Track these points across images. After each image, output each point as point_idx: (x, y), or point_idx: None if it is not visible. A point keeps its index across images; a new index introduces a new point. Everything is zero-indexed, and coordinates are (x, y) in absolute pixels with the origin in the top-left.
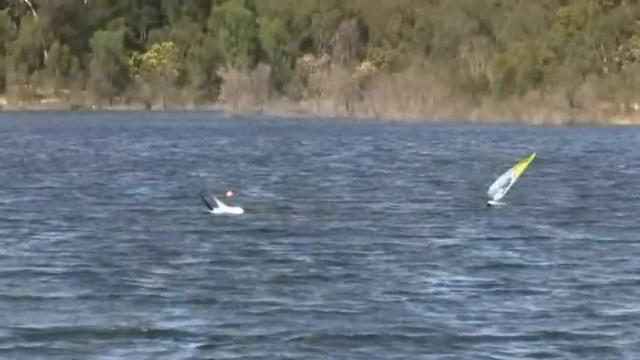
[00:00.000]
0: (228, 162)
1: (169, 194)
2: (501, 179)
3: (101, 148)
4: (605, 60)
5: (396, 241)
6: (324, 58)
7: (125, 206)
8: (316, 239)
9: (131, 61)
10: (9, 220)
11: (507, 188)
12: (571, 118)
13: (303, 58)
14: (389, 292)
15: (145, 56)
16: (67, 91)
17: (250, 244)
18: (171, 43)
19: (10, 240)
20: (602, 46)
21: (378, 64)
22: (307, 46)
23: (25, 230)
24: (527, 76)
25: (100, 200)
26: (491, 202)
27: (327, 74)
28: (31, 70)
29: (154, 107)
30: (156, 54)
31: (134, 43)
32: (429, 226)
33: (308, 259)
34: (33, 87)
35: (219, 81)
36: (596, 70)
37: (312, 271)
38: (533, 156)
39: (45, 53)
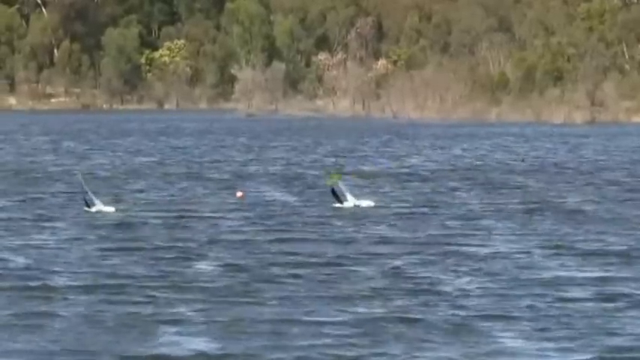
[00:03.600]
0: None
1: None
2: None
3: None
4: (626, 57)
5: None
6: (339, 56)
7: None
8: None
9: (143, 60)
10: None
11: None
12: (592, 116)
13: (319, 56)
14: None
15: (157, 54)
16: (77, 90)
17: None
18: (183, 41)
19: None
20: (623, 43)
21: (394, 62)
22: (322, 43)
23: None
24: (548, 74)
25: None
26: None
27: (342, 72)
28: (40, 69)
29: (166, 106)
30: (168, 52)
31: (146, 41)
32: None
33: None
34: (43, 86)
35: (232, 79)
36: (618, 67)
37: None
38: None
39: (55, 51)
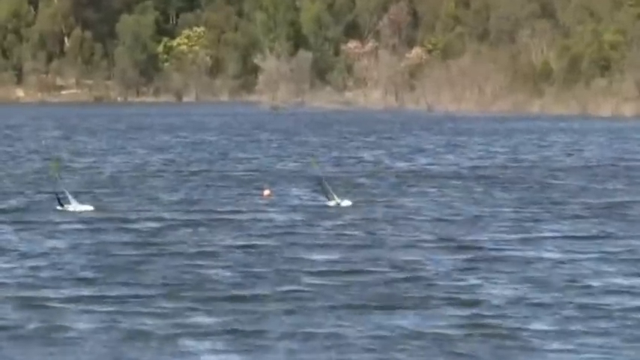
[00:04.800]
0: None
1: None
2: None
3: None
4: None
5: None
6: (370, 45)
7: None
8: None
9: (160, 49)
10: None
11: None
12: None
13: (348, 45)
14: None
15: (175, 43)
16: (89, 82)
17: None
18: (203, 29)
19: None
20: None
21: (430, 51)
22: (352, 31)
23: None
24: (594, 63)
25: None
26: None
27: (374, 62)
28: (50, 59)
29: (184, 99)
30: (187, 40)
31: (163, 29)
32: None
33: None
34: (52, 77)
35: (256, 70)
36: None
37: None
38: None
39: (65, 40)
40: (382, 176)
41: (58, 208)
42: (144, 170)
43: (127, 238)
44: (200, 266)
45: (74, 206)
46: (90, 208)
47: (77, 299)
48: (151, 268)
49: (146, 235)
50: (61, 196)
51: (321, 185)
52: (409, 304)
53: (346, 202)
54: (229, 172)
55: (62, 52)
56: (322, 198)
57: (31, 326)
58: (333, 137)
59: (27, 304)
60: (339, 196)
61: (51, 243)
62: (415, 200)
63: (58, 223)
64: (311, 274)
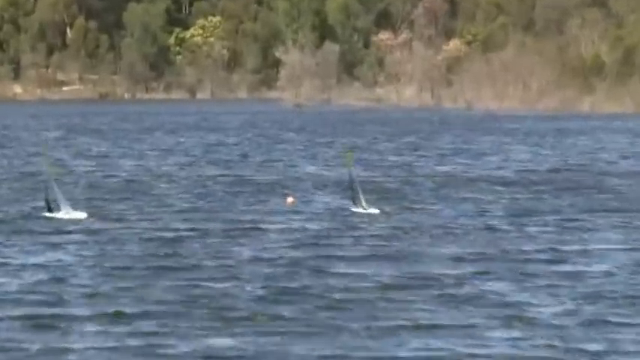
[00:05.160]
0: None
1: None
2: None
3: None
4: None
5: None
6: (404, 36)
7: None
8: None
9: (172, 40)
10: None
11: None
12: None
13: (379, 36)
14: None
15: (188, 34)
16: (93, 77)
17: None
18: (219, 18)
19: None
20: None
21: (469, 43)
22: (384, 21)
23: None
24: None
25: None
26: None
27: (407, 55)
28: (50, 52)
29: (199, 95)
30: (201, 31)
31: (175, 18)
32: None
33: None
34: (53, 72)
35: (277, 64)
36: None
37: None
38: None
39: (67, 31)
40: (417, 181)
41: (47, 214)
42: (153, 175)
43: (134, 249)
44: (217, 280)
45: (66, 213)
46: (83, 215)
47: (83, 318)
48: (163, 284)
49: (156, 246)
50: (52, 201)
51: (351, 187)
52: (452, 324)
53: (374, 210)
54: (248, 177)
55: (64, 44)
56: (348, 202)
57: (35, 347)
58: (362, 138)
59: (28, 323)
60: (367, 202)
61: (49, 254)
62: (453, 208)
63: (52, 233)
64: (340, 290)
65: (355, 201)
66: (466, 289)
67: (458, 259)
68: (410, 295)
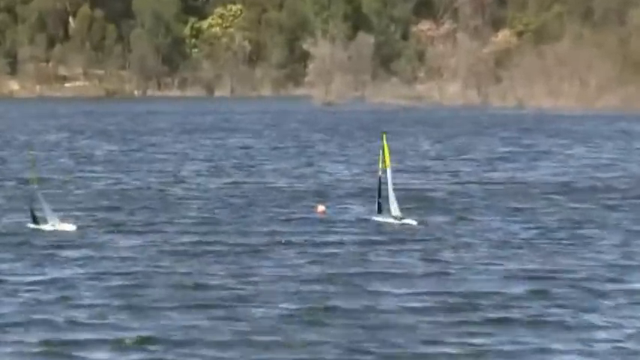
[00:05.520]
0: None
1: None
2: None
3: None
4: None
5: None
6: (447, 26)
7: None
8: None
9: (187, 31)
10: None
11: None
12: None
13: (419, 26)
14: None
15: (205, 24)
16: (99, 72)
17: None
18: (240, 6)
19: None
20: None
21: (520, 34)
22: (424, 9)
23: None
24: None
25: None
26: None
27: (451, 47)
28: (51, 44)
29: (217, 93)
30: (220, 21)
31: (191, 7)
32: None
33: None
34: (54, 66)
35: (305, 57)
36: None
37: None
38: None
39: (70, 20)
40: (462, 189)
41: (32, 226)
42: (166, 182)
43: (145, 266)
44: (242, 300)
45: (53, 225)
46: (72, 227)
47: (96, 343)
48: (181, 306)
49: (169, 262)
50: (38, 213)
51: (387, 194)
52: (507, 350)
53: (410, 221)
54: (273, 184)
55: (66, 36)
56: (378, 210)
57: None
58: (400, 140)
59: (36, 350)
60: (403, 212)
61: (46, 270)
62: (502, 219)
63: (46, 247)
64: (378, 311)
65: (382, 209)
66: (521, 311)
67: (510, 277)
68: (456, 318)
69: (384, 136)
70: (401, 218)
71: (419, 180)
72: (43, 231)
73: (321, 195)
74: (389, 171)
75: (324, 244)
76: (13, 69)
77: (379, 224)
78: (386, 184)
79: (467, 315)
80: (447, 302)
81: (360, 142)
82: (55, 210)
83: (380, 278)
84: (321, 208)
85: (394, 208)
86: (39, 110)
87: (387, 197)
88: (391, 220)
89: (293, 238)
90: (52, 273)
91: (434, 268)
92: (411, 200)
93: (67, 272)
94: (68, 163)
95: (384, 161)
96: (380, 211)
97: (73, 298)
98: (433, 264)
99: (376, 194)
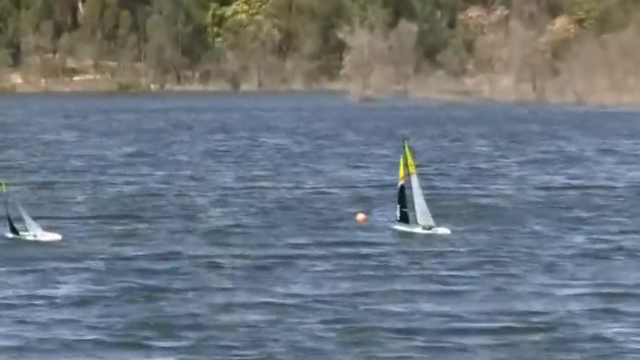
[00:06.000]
0: None
1: None
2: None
3: None
4: None
5: None
6: (498, 13)
7: None
8: None
9: (209, 18)
10: None
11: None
12: None
13: (468, 13)
14: None
15: (229, 10)
16: (112, 64)
17: None
18: None
19: None
20: None
21: (580, 22)
22: None
23: None
24: None
25: None
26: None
27: (503, 37)
28: (58, 33)
29: (243, 87)
30: (246, 7)
31: None
32: None
33: None
34: (61, 57)
35: (340, 48)
36: None
37: None
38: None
39: (79, 6)
40: (515, 195)
41: (9, 235)
42: (185, 186)
43: (157, 279)
44: (272, 319)
45: (34, 234)
46: (57, 237)
47: None
48: (209, 325)
49: (184, 274)
50: (15, 221)
51: (412, 200)
52: None
53: (444, 230)
54: (307, 189)
55: (75, 24)
56: (401, 219)
57: None
58: (446, 140)
59: None
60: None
61: (39, 285)
62: (558, 228)
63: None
64: (423, 331)
65: (409, 219)
66: (581, 332)
67: (570, 296)
68: (511, 339)
69: (406, 142)
70: (430, 227)
71: (468, 184)
72: (22, 241)
73: (361, 201)
74: (415, 177)
75: (363, 257)
76: (16, 60)
77: (405, 234)
78: (411, 190)
79: (523, 336)
80: (500, 322)
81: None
82: (59, 218)
83: (423, 295)
84: (361, 216)
85: (423, 217)
86: (44, 106)
87: (412, 205)
88: (418, 230)
89: (328, 250)
90: (51, 287)
91: (483, 284)
92: (458, 207)
93: (61, 286)
94: (77, 165)
95: (406, 167)
96: (405, 220)
97: (79, 315)
98: (482, 279)
99: (397, 203)
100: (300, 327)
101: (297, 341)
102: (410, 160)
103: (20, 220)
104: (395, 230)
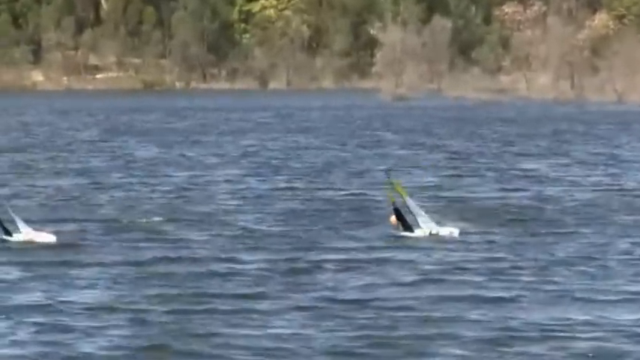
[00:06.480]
0: None
1: None
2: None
3: None
4: None
5: None
6: (536, 9)
7: None
8: None
9: (235, 15)
10: None
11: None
12: None
13: (504, 9)
14: None
15: (257, 6)
16: (136, 61)
17: None
18: None
19: None
20: None
21: (620, 18)
22: None
23: None
24: None
25: None
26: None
27: (540, 33)
28: (80, 29)
29: (271, 85)
30: (275, 2)
31: None
32: None
33: None
34: (84, 54)
35: (372, 44)
36: None
37: None
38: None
39: (102, 2)
40: (558, 197)
41: (3, 237)
42: (210, 189)
43: (178, 286)
44: (298, 332)
45: (27, 234)
46: (52, 238)
47: None
48: (229, 336)
49: (207, 281)
50: (5, 222)
51: (398, 215)
52: None
53: (451, 229)
54: (337, 191)
55: (97, 20)
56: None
57: None
58: (482, 141)
59: None
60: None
61: (42, 289)
62: (602, 233)
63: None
64: (466, 339)
65: (407, 226)
66: (617, 344)
67: (619, 302)
68: (550, 351)
69: (390, 173)
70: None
71: (509, 186)
72: (14, 242)
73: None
74: (409, 199)
75: (397, 263)
76: (37, 57)
77: (459, 239)
78: (408, 213)
79: (563, 344)
80: (547, 332)
81: (436, 141)
82: (82, 220)
83: (465, 301)
84: (394, 218)
85: (426, 225)
86: (65, 105)
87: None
88: (423, 233)
89: (359, 255)
90: (56, 291)
91: (526, 290)
92: (496, 211)
93: (69, 290)
94: (100, 166)
95: (398, 194)
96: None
97: (86, 324)
98: (525, 285)
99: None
100: (336, 334)
101: (333, 346)
102: (399, 189)
103: (11, 221)
104: (429, 234)
